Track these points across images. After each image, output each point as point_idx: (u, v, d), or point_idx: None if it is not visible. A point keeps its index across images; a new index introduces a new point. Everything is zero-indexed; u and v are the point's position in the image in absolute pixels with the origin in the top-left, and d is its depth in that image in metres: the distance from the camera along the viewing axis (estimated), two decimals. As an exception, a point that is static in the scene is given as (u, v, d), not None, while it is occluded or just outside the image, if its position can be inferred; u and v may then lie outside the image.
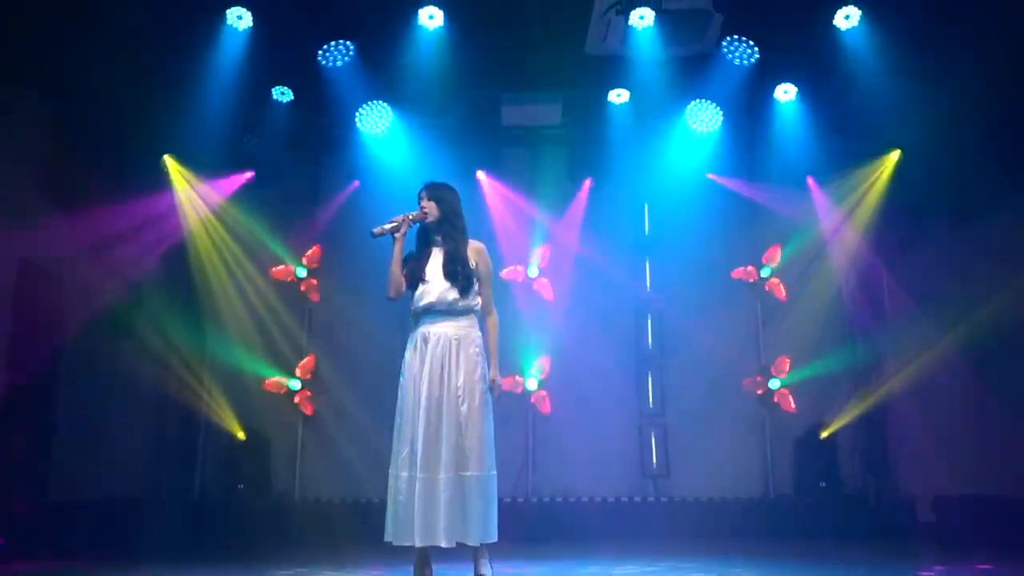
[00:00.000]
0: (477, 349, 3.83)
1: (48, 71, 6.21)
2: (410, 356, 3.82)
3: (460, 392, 3.73)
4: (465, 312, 3.84)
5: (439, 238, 3.88)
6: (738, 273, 7.66)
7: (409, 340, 3.88)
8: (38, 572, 4.67)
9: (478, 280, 3.90)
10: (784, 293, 7.60)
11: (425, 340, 3.79)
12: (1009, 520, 6.09)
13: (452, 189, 3.97)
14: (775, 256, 7.63)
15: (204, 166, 7.12)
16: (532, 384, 7.33)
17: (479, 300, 3.91)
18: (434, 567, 3.82)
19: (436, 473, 3.62)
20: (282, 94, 7.06)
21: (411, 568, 3.83)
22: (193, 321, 7.22)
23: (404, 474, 3.66)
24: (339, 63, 6.72)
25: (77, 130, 6.72)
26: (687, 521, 6.87)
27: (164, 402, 7.16)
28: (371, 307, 7.42)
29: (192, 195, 7.24)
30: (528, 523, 6.60)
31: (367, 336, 7.46)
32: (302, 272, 7.57)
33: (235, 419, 7.14)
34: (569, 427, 7.33)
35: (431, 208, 3.87)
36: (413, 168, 7.28)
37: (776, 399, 7.46)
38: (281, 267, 7.52)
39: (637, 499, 7.19)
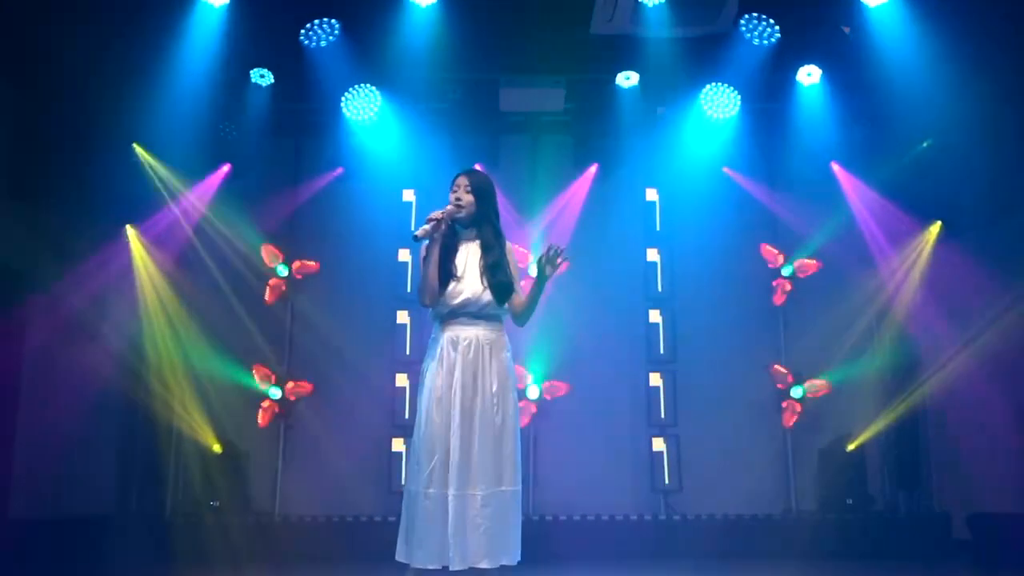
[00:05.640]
0: (508, 354, 3.68)
1: (6, 52, 5.97)
2: (435, 366, 3.58)
3: (495, 400, 3.55)
4: (497, 317, 3.67)
5: (473, 233, 3.67)
6: (767, 251, 7.40)
7: (431, 346, 3.64)
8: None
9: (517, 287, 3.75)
10: (783, 298, 7.37)
11: (454, 345, 3.58)
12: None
13: (491, 181, 3.75)
14: (807, 269, 7.34)
15: (176, 155, 6.94)
16: (533, 392, 7.02)
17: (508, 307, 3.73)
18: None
19: (472, 489, 3.41)
20: (261, 77, 6.98)
21: None
22: (164, 323, 7.00)
23: (431, 491, 3.40)
24: (323, 43, 6.65)
25: (39, 116, 6.47)
26: (701, 541, 6.66)
27: (133, 412, 6.96)
28: (355, 310, 7.36)
29: (163, 186, 7.03)
30: (526, 544, 6.32)
31: (351, 343, 7.31)
32: (283, 271, 7.31)
33: (210, 430, 6.91)
34: (572, 438, 7.16)
35: (468, 202, 3.61)
36: (403, 157, 7.25)
37: (784, 405, 7.20)
38: (272, 246, 7.21)
39: (647, 517, 6.94)
